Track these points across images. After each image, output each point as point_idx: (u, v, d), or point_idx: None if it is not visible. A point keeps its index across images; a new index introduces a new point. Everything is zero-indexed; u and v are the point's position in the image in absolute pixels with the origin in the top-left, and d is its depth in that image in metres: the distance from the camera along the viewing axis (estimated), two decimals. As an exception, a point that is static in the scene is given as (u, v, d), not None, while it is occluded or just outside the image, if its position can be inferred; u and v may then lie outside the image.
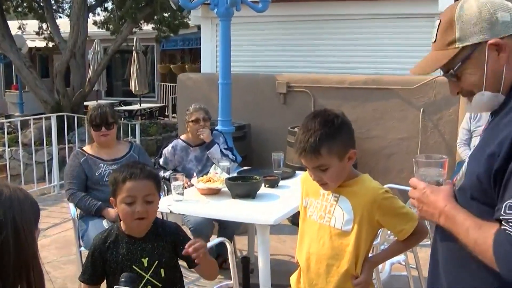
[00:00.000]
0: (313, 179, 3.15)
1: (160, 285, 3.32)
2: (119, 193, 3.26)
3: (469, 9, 2.27)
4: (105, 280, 3.43)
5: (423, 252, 5.49)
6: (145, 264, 3.30)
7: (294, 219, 8.15)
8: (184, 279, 3.52)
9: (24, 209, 2.04)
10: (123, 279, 2.71)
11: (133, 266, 3.28)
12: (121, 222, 3.38)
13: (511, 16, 2.25)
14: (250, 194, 5.35)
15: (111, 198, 3.34)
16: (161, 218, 5.28)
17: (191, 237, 4.20)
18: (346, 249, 3.09)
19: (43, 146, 11.29)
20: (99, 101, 21.02)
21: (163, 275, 3.32)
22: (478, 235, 2.07)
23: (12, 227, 1.97)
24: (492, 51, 2.23)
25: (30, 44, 21.97)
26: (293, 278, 3.46)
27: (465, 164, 2.29)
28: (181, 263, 3.50)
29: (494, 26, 2.24)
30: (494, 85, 2.26)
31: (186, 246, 3.10)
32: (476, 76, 2.28)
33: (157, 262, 3.31)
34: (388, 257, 3.53)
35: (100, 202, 5.46)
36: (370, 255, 3.23)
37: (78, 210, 5.65)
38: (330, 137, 2.97)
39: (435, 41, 2.36)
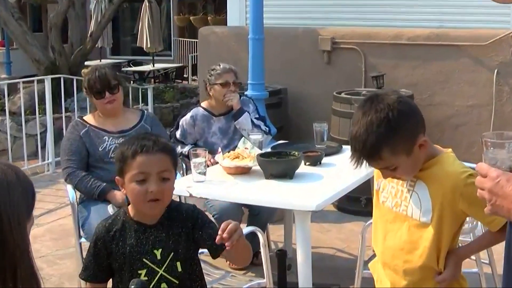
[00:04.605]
0: (384, 178, 3.18)
1: (177, 282, 3.30)
2: (128, 170, 3.22)
3: None
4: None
5: (498, 244, 5.46)
6: (158, 257, 3.28)
7: (340, 204, 8.18)
8: (207, 277, 3.53)
9: (14, 196, 1.98)
10: (132, 287, 2.71)
11: (144, 259, 3.27)
12: (129, 206, 3.37)
13: None
14: (287, 173, 5.33)
15: (117, 177, 3.32)
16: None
17: (213, 220, 4.19)
18: (425, 244, 3.12)
19: (35, 115, 11.36)
20: (103, 60, 21.12)
21: (180, 269, 3.30)
22: None
23: None
24: None
25: (20, -9, 22.07)
26: (372, 266, 3.53)
27: None
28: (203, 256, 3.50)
29: None
30: None
31: (219, 231, 2.96)
32: None
33: (172, 254, 3.29)
34: (478, 249, 3.56)
35: (105, 184, 5.47)
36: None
37: (78, 193, 5.69)
38: (388, 138, 2.95)
39: None
